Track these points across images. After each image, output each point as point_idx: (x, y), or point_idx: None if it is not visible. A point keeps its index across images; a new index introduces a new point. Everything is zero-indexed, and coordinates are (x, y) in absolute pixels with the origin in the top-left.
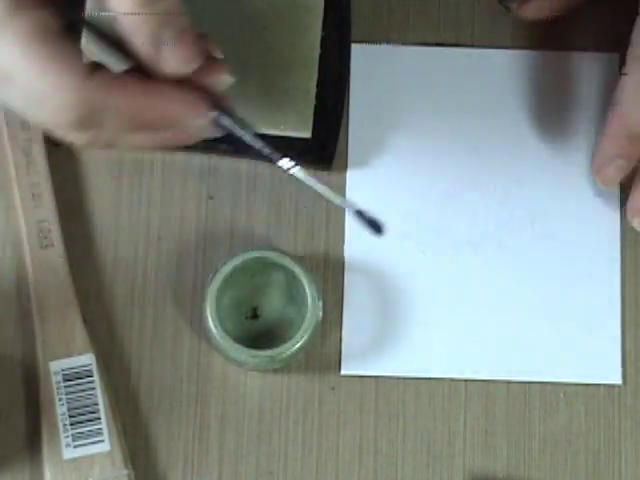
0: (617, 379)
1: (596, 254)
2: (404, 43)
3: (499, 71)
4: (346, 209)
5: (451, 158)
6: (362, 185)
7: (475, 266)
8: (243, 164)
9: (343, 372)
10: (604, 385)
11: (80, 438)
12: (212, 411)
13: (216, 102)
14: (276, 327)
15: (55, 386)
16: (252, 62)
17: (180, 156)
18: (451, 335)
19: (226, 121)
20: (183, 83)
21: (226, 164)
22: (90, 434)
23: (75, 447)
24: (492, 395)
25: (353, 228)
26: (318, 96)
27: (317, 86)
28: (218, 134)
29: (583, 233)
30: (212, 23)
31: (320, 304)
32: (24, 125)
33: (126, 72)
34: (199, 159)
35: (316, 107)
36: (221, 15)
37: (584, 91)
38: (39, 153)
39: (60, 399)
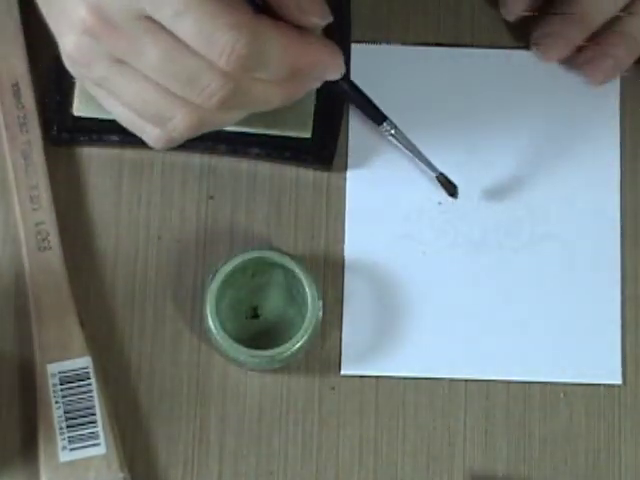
0: (617, 379)
1: (596, 254)
2: (404, 43)
3: (499, 71)
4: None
5: (451, 158)
6: (362, 185)
7: (475, 266)
8: (243, 164)
9: (343, 372)
10: (604, 385)
11: (76, 441)
12: (212, 411)
13: None
14: (276, 327)
15: (52, 389)
16: None
17: (180, 156)
18: (451, 335)
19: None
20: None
21: (226, 164)
22: (86, 437)
23: (71, 450)
24: (492, 395)
25: (353, 228)
26: (318, 96)
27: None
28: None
29: (583, 233)
30: None
31: (320, 304)
32: (23, 127)
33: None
34: (199, 159)
35: (316, 107)
36: None
37: (584, 90)
38: (38, 155)
39: (57, 402)
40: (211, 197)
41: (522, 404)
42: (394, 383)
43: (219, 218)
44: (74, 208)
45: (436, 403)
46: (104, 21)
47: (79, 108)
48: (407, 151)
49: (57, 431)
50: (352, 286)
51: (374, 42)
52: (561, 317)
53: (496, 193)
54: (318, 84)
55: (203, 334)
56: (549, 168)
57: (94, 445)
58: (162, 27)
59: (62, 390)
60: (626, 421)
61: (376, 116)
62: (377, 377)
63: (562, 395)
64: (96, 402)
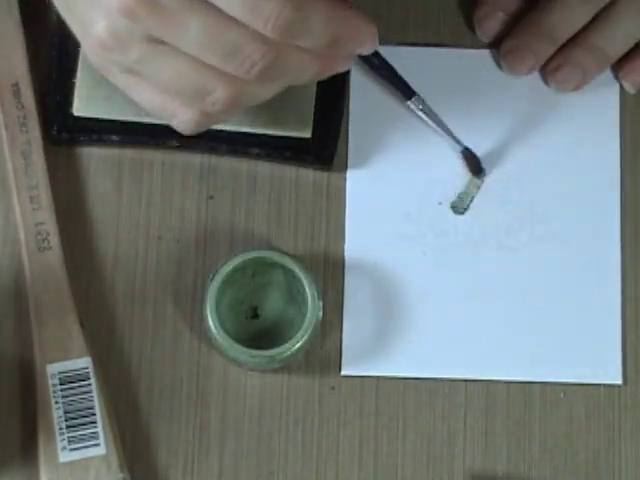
0: (617, 379)
1: (596, 254)
2: (404, 43)
3: (499, 72)
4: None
5: (451, 158)
6: (362, 185)
7: (475, 266)
8: (243, 164)
9: (343, 372)
10: (604, 385)
11: (76, 441)
12: (212, 411)
13: None
14: (276, 327)
15: (52, 389)
16: None
17: (180, 156)
18: (451, 335)
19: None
20: None
21: (226, 164)
22: (86, 437)
23: (71, 450)
24: (492, 395)
25: (353, 228)
26: (318, 96)
27: (317, 86)
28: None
29: (583, 233)
30: None
31: (320, 304)
32: (23, 127)
33: None
34: (199, 159)
35: (316, 107)
36: None
37: (584, 90)
38: (38, 155)
39: (56, 402)
40: (211, 197)
41: (522, 404)
42: (394, 383)
43: (219, 218)
44: (74, 208)
45: (436, 403)
46: (143, 0)
47: (79, 108)
48: (434, 125)
49: (57, 431)
50: (352, 286)
51: None
52: (561, 317)
53: (496, 193)
54: (349, 63)
55: (203, 334)
56: (549, 168)
57: (94, 445)
58: (204, 0)
59: (62, 390)
60: (626, 421)
61: (405, 91)
62: (377, 377)
63: (562, 395)
64: (96, 402)
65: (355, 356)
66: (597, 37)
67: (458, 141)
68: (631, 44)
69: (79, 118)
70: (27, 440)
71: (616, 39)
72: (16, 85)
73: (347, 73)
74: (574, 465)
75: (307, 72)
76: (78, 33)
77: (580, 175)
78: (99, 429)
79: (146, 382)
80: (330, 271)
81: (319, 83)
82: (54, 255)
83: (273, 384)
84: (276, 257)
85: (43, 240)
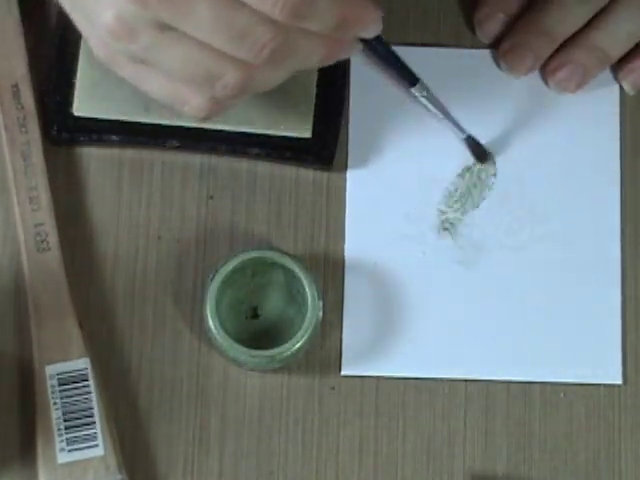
0: (617, 379)
1: (596, 254)
2: (404, 43)
3: (499, 72)
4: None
5: (451, 158)
6: (362, 185)
7: (475, 266)
8: (243, 164)
9: (343, 372)
10: (604, 385)
11: (74, 442)
12: (212, 411)
13: None
14: (276, 327)
15: (50, 390)
16: None
17: (180, 156)
18: (451, 335)
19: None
20: None
21: (226, 164)
22: (84, 439)
23: (69, 451)
24: (492, 395)
25: (353, 228)
26: (318, 96)
27: (317, 86)
28: (358, 52)
29: (583, 233)
30: None
31: (320, 304)
32: (22, 128)
33: None
34: (199, 159)
35: (316, 107)
36: None
37: (584, 90)
38: (37, 156)
39: (55, 403)
40: (211, 197)
41: (522, 404)
42: (394, 383)
43: (219, 218)
44: (74, 208)
45: (436, 403)
46: None
47: (79, 108)
48: (437, 112)
49: (55, 432)
50: (352, 286)
51: None
52: (561, 317)
53: (496, 193)
54: (354, 49)
55: (203, 334)
56: (549, 168)
57: (92, 446)
58: None
59: (61, 391)
60: (626, 421)
61: (409, 78)
62: (377, 377)
63: (562, 395)
64: (94, 404)
65: (355, 356)
66: (597, 37)
67: (461, 128)
68: (631, 44)
69: (79, 118)
70: (26, 441)
71: (616, 39)
72: (16, 86)
73: (347, 73)
74: (574, 465)
75: (314, 56)
76: (84, 27)
77: (580, 175)
78: (98, 430)
79: (146, 382)
80: (330, 271)
81: (319, 83)
82: (53, 256)
83: (273, 384)
84: (276, 257)
85: (42, 241)
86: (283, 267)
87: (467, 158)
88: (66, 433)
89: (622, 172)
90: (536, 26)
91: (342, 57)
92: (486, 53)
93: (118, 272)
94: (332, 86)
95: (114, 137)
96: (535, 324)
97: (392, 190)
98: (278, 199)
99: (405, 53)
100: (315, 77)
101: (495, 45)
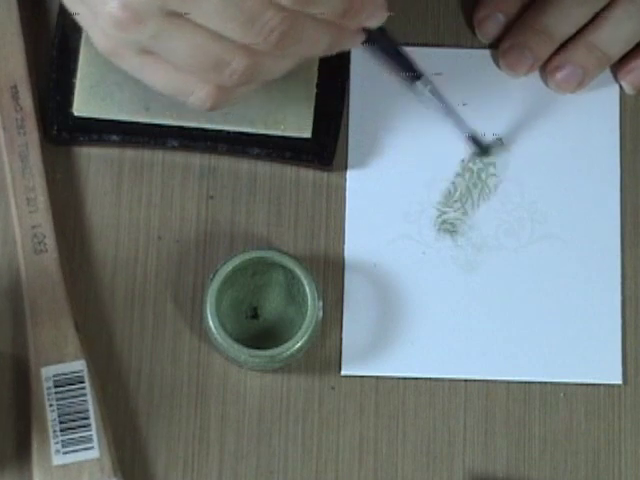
0: (617, 379)
1: (596, 254)
2: (404, 43)
3: (498, 72)
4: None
5: (451, 158)
6: (362, 185)
7: (475, 266)
8: (243, 164)
9: (343, 372)
10: (604, 385)
11: (70, 444)
12: (212, 411)
13: None
14: (276, 327)
15: (46, 392)
16: None
17: (180, 156)
18: (451, 335)
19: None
20: None
21: (226, 164)
22: (80, 441)
23: (65, 453)
24: (492, 395)
25: (353, 228)
26: (318, 96)
27: (317, 86)
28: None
29: (583, 233)
30: None
31: (320, 304)
32: (20, 130)
33: None
34: (199, 159)
35: (316, 107)
36: None
37: (583, 90)
38: (35, 158)
39: (51, 405)
40: (211, 197)
41: (522, 404)
42: (394, 383)
43: (219, 218)
44: (74, 208)
45: (436, 403)
46: None
47: (79, 108)
48: (440, 108)
49: (51, 434)
50: (352, 286)
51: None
52: (561, 317)
53: (496, 193)
54: (358, 39)
55: (203, 334)
56: (549, 168)
57: (87, 449)
58: None
59: (56, 393)
60: (626, 421)
61: (413, 72)
62: (377, 377)
63: (562, 395)
64: (90, 406)
65: (355, 356)
66: (597, 37)
67: (464, 125)
68: (631, 44)
69: (79, 118)
70: (21, 443)
71: (616, 39)
72: (14, 87)
73: (347, 73)
74: (574, 465)
75: (320, 44)
76: (86, 19)
77: (580, 175)
78: (93, 432)
79: (146, 382)
80: (330, 271)
81: (319, 83)
82: (50, 258)
83: (273, 384)
84: (276, 257)
85: (39, 243)
86: (283, 267)
87: (467, 158)
88: (61, 435)
89: (622, 172)
90: (536, 26)
91: (346, 47)
92: (486, 53)
93: (118, 272)
94: (332, 86)
95: (114, 137)
96: (535, 324)
97: (392, 190)
98: (278, 199)
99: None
100: (315, 77)
101: (495, 45)
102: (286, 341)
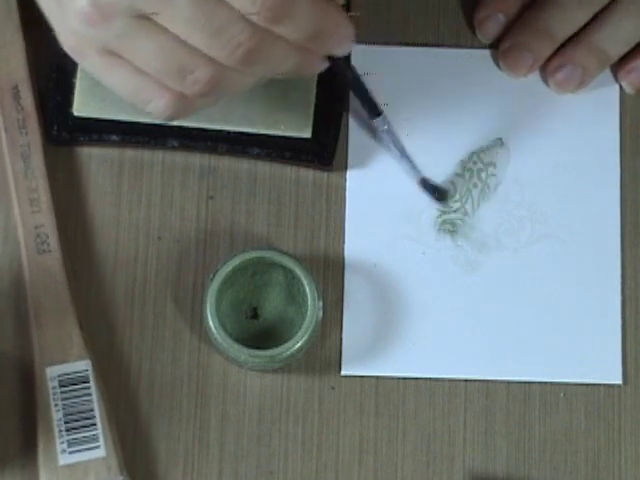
0: (617, 379)
1: (596, 254)
2: (404, 43)
3: (499, 72)
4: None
5: (451, 158)
6: (362, 185)
7: (475, 267)
8: (243, 164)
9: (343, 372)
10: (604, 385)
11: (75, 444)
12: (212, 411)
13: None
14: (276, 327)
15: (51, 392)
16: None
17: (180, 156)
18: (451, 335)
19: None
20: None
21: (226, 164)
22: (85, 440)
23: (70, 453)
24: (492, 395)
25: (353, 228)
26: (318, 96)
27: (317, 86)
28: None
29: (583, 233)
30: None
31: (320, 304)
32: (22, 130)
33: None
34: (199, 159)
35: (316, 107)
36: None
37: (583, 90)
38: (37, 158)
39: (56, 405)
40: (211, 197)
41: (522, 404)
42: (394, 383)
43: (219, 218)
44: (74, 208)
45: (436, 403)
46: None
47: (79, 108)
48: (395, 149)
49: (56, 434)
50: (352, 286)
51: (374, 43)
52: (561, 317)
53: (496, 193)
54: (323, 66)
55: (203, 334)
56: (549, 168)
57: (93, 448)
58: None
59: (61, 393)
60: (626, 421)
61: (372, 109)
62: (377, 377)
63: (562, 395)
64: (95, 405)
65: (355, 356)
66: (597, 37)
67: (416, 170)
68: (631, 44)
69: (79, 118)
70: (27, 443)
71: (616, 39)
72: (16, 88)
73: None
74: (574, 465)
75: (284, 65)
76: (53, 14)
77: (580, 175)
78: (99, 431)
79: (146, 382)
80: (330, 271)
81: (319, 83)
82: (53, 258)
83: (273, 384)
84: (276, 257)
85: (42, 243)
86: (283, 267)
87: (467, 158)
88: (67, 435)
89: (622, 172)
90: (536, 26)
91: (309, 73)
92: (486, 53)
93: (118, 272)
94: (332, 86)
95: (114, 137)
96: (535, 324)
97: (392, 190)
98: (278, 199)
99: (405, 53)
100: (315, 77)
101: (495, 45)
102: (286, 341)
